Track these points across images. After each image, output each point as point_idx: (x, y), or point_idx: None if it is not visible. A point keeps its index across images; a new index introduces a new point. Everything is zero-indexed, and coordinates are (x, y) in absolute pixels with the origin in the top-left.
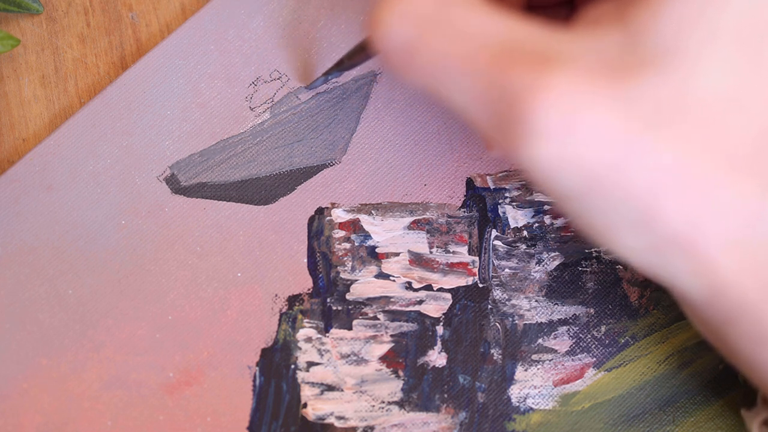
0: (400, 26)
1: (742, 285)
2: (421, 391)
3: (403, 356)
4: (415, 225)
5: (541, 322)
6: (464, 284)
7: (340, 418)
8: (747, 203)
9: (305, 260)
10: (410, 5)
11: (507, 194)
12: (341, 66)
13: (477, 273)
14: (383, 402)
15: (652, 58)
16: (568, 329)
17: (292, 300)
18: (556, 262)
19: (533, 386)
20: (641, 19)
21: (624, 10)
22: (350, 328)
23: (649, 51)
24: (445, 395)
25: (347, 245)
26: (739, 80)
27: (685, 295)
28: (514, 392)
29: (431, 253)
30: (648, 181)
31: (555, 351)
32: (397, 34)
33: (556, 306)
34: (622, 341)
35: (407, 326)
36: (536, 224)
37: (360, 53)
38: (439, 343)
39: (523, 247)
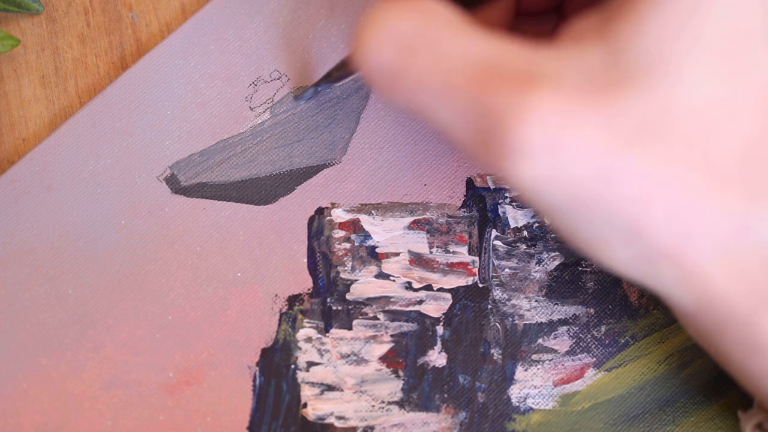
0: (382, 48)
1: (730, 294)
2: (421, 391)
3: (403, 356)
4: (415, 225)
5: (541, 322)
6: (464, 284)
7: (340, 418)
8: (733, 213)
9: (305, 260)
10: (392, 27)
11: (507, 194)
12: (329, 78)
13: (477, 273)
14: (383, 402)
15: (634, 73)
16: (568, 329)
17: (292, 300)
18: (556, 262)
19: (533, 386)
20: (623, 34)
21: (605, 25)
22: (350, 328)
23: (632, 66)
24: (445, 395)
25: (347, 245)
26: (722, 91)
27: (676, 305)
28: (514, 392)
29: (431, 253)
30: (634, 195)
31: (555, 351)
32: (380, 56)
33: (556, 306)
34: (622, 341)
35: (407, 326)
36: (536, 224)
37: (347, 66)
38: (439, 343)
39: (523, 247)
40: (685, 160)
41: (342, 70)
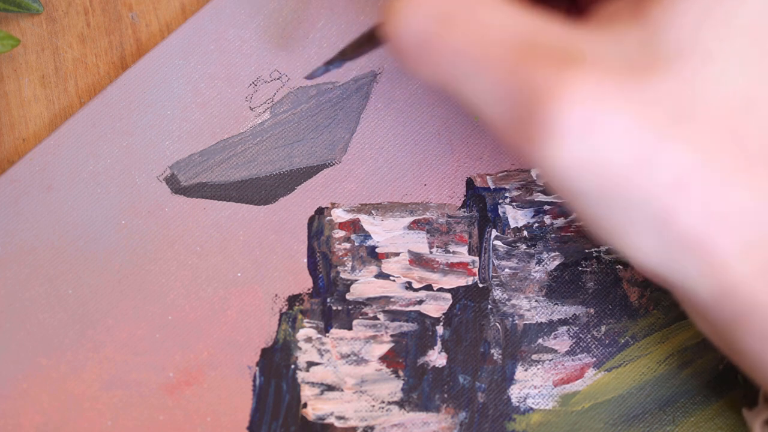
0: (417, 19)
1: (754, 286)
2: (421, 391)
3: (403, 356)
4: (415, 225)
5: (541, 322)
6: (464, 284)
7: (340, 418)
8: (763, 203)
9: (305, 260)
10: None
11: (507, 194)
12: (344, 56)
13: (477, 273)
14: (383, 402)
15: (670, 55)
16: (568, 329)
17: (292, 300)
18: (556, 262)
19: (533, 386)
20: (658, 15)
21: (639, 6)
22: (350, 328)
23: (667, 48)
24: (445, 395)
25: (347, 245)
26: (756, 77)
27: (693, 295)
28: (514, 392)
29: (431, 253)
30: (668, 181)
31: (555, 351)
32: (414, 27)
33: (556, 306)
34: (622, 341)
35: (407, 326)
36: (536, 224)
37: (365, 44)
38: (439, 343)
39: (523, 247)
40: (716, 146)
41: (359, 48)
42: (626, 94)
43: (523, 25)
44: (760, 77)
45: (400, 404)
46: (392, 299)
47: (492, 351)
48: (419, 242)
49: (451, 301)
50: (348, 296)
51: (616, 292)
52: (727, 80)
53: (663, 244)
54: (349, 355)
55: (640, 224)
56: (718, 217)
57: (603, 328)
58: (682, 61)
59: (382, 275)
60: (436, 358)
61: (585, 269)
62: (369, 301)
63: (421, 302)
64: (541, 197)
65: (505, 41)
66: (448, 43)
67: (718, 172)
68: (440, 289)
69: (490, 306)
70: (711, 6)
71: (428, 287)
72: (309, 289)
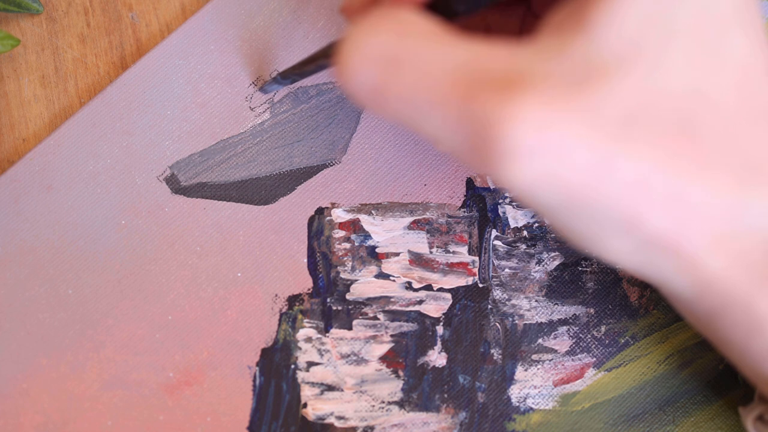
0: (364, 69)
1: (728, 278)
2: (421, 391)
3: (403, 356)
4: (415, 225)
5: (541, 322)
6: (464, 284)
7: (340, 418)
8: (725, 199)
9: (305, 260)
10: (370, 46)
11: (507, 194)
12: (296, 71)
13: (477, 273)
14: (383, 402)
15: (615, 63)
16: (568, 329)
17: (292, 300)
18: (556, 262)
19: (533, 386)
20: (599, 22)
21: (582, 16)
22: (350, 328)
23: (611, 56)
24: (445, 395)
25: (347, 245)
26: (703, 69)
27: (675, 293)
28: (514, 392)
29: (431, 253)
30: (626, 188)
31: (555, 351)
32: (362, 77)
33: (556, 306)
34: (622, 341)
35: (407, 326)
36: (536, 224)
37: (320, 61)
38: (439, 343)
39: (523, 247)
40: (672, 148)
41: (311, 64)
42: (573, 110)
43: (465, 57)
44: (707, 69)
45: (400, 404)
46: (392, 299)
47: (492, 351)
48: (419, 242)
49: (451, 301)
50: (348, 296)
51: (616, 292)
52: (675, 77)
53: (635, 245)
54: (349, 355)
55: (610, 230)
56: (682, 215)
57: (603, 328)
58: (628, 68)
59: (382, 275)
60: (436, 358)
61: (585, 269)
62: (369, 301)
63: (421, 302)
64: None
65: (449, 78)
66: (397, 89)
67: (675, 172)
68: (440, 289)
69: (490, 306)
70: (651, 9)
71: (428, 287)
72: (309, 289)
